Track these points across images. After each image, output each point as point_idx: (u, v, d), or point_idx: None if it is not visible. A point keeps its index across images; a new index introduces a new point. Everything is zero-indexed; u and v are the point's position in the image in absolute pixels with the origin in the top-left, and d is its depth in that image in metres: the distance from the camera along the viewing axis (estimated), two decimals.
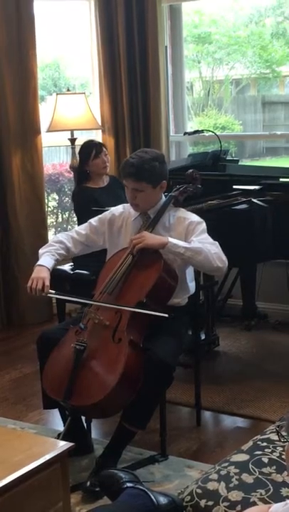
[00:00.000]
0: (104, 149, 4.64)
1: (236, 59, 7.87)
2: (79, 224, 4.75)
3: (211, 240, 3.20)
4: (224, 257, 3.16)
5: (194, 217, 3.29)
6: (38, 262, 3.27)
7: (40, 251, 3.36)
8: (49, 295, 3.21)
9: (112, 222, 3.39)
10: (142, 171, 3.14)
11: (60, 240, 3.39)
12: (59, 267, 4.45)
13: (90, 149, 4.59)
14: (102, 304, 3.06)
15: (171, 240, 3.11)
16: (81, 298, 3.18)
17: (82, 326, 3.05)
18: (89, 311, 3.09)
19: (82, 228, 3.44)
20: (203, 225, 3.25)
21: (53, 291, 3.19)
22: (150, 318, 3.03)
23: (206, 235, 3.21)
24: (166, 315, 2.96)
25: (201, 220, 3.28)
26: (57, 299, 4.66)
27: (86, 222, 3.47)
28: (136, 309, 2.99)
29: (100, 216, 3.44)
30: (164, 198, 3.33)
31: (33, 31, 5.15)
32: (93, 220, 3.43)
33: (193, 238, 3.17)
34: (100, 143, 4.77)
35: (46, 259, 3.29)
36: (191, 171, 3.53)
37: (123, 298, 3.06)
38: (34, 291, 3.16)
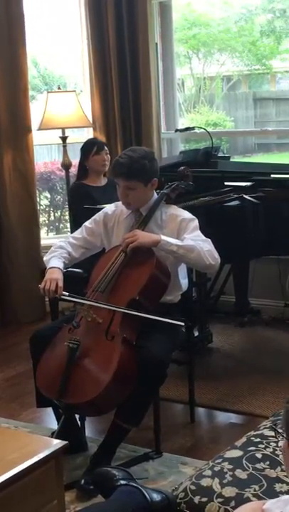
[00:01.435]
0: (105, 148, 4.66)
1: (227, 55, 7.88)
2: (72, 219, 4.77)
3: (203, 237, 3.20)
4: (216, 255, 3.17)
5: (186, 215, 3.29)
6: (49, 265, 3.26)
7: (46, 257, 3.35)
8: (63, 297, 3.17)
9: (106, 222, 3.39)
10: (132, 171, 3.15)
11: (60, 245, 3.39)
12: None
13: (92, 145, 4.62)
14: (116, 309, 3.01)
15: (163, 237, 3.11)
16: (94, 301, 3.13)
17: (75, 324, 3.05)
18: (82, 309, 3.09)
19: (78, 233, 3.44)
20: (196, 222, 3.26)
21: (67, 293, 3.16)
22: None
23: (198, 232, 3.22)
24: (183, 324, 2.98)
25: (194, 217, 3.29)
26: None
27: (79, 217, 3.47)
28: (152, 316, 2.99)
29: (94, 217, 3.44)
30: (156, 195, 3.33)
31: (22, 29, 5.13)
32: (88, 223, 3.44)
33: (185, 236, 3.18)
34: (102, 141, 4.81)
35: (55, 261, 3.28)
36: (182, 168, 3.54)
37: (116, 296, 3.06)
38: (48, 293, 3.16)
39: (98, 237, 3.40)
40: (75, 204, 4.66)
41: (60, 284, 3.16)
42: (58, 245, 3.40)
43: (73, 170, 5.26)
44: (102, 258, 3.29)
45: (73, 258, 3.41)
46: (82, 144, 4.73)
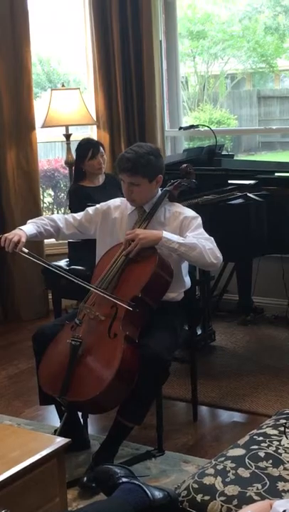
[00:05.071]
0: (101, 150, 4.63)
1: (231, 54, 7.87)
2: None
3: (206, 235, 3.19)
4: (219, 253, 3.16)
5: (189, 212, 3.29)
6: (19, 227, 3.27)
7: (29, 221, 3.37)
8: (21, 253, 3.14)
9: (107, 215, 3.40)
10: (137, 166, 3.14)
11: (53, 218, 3.41)
12: (55, 263, 4.46)
13: (87, 150, 4.58)
14: (80, 283, 3.05)
15: (165, 234, 3.10)
16: (51, 265, 3.16)
17: (77, 322, 3.05)
18: (84, 306, 3.09)
19: (78, 214, 3.47)
20: (199, 220, 3.25)
21: (26, 250, 3.14)
22: (146, 312, 3.03)
23: (201, 230, 3.21)
24: (130, 308, 2.96)
25: (196, 214, 3.28)
26: (52, 294, 4.67)
27: None
28: (106, 294, 2.99)
29: (97, 206, 3.46)
30: (160, 192, 3.33)
31: (27, 27, 5.13)
32: (90, 209, 3.46)
33: (188, 233, 3.17)
34: (97, 142, 4.75)
35: (29, 226, 3.29)
36: (185, 165, 3.53)
37: (118, 293, 3.06)
38: (8, 243, 3.13)
39: (93, 226, 3.41)
40: (75, 207, 4.66)
41: (23, 240, 3.15)
42: (50, 217, 3.43)
43: None
44: (104, 255, 3.29)
45: (62, 234, 3.42)
46: (77, 146, 4.71)
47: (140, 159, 3.15)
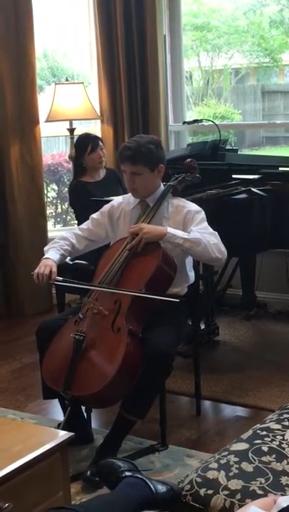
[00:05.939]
0: (100, 143, 4.63)
1: (235, 48, 7.85)
2: (76, 217, 4.76)
3: (210, 229, 3.19)
4: (223, 248, 3.16)
5: (193, 206, 3.29)
6: (45, 256, 3.29)
7: (45, 248, 3.39)
8: (56, 282, 3.20)
9: (112, 214, 3.40)
10: (138, 154, 3.16)
11: (64, 236, 3.42)
12: None
13: (86, 144, 4.59)
14: (110, 290, 3.05)
15: (169, 230, 3.11)
16: (87, 284, 3.16)
17: (81, 316, 3.05)
18: (88, 301, 3.09)
19: (85, 224, 3.47)
20: (202, 214, 3.25)
21: (60, 278, 3.19)
22: (150, 306, 3.03)
23: (205, 224, 3.21)
24: (177, 300, 2.96)
25: (200, 209, 3.28)
26: (56, 288, 4.67)
27: (82, 214, 3.49)
28: (145, 294, 2.99)
29: (101, 210, 3.46)
30: (162, 187, 3.33)
31: (31, 21, 5.12)
32: (94, 214, 3.46)
33: (192, 228, 3.17)
34: (96, 136, 4.76)
35: (51, 253, 3.31)
36: (189, 160, 3.53)
37: (122, 288, 3.06)
38: (41, 277, 3.17)
39: (103, 228, 3.41)
40: (75, 203, 4.66)
41: (54, 269, 3.18)
42: (61, 236, 3.43)
43: None
44: (108, 250, 3.30)
45: (76, 250, 3.43)
46: (76, 141, 4.71)
47: (141, 148, 3.17)
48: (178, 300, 3.01)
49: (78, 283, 3.17)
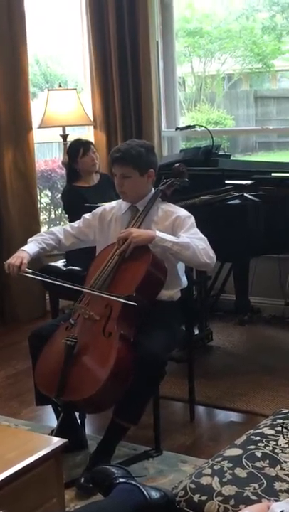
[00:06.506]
0: (91, 147, 4.65)
1: (228, 53, 7.86)
2: (70, 222, 4.76)
3: (200, 235, 3.20)
4: (212, 253, 3.16)
5: (182, 212, 3.29)
6: (24, 247, 3.32)
7: (29, 239, 3.41)
8: (25, 274, 3.21)
9: (103, 217, 3.42)
10: (127, 156, 3.19)
11: (52, 231, 3.47)
12: (51, 264, 4.46)
13: (78, 148, 4.60)
14: (79, 288, 3.10)
15: (158, 233, 3.11)
16: (59, 280, 3.19)
17: (72, 322, 3.05)
18: (79, 306, 3.09)
19: (76, 222, 3.50)
20: (192, 220, 3.25)
21: (30, 270, 3.21)
22: (141, 310, 3.03)
23: (194, 230, 3.21)
24: (135, 304, 2.96)
25: (189, 214, 3.28)
26: (50, 294, 4.67)
27: (76, 219, 3.51)
28: (109, 295, 3.00)
29: (93, 211, 3.48)
30: (152, 192, 3.34)
31: (23, 27, 5.13)
32: (87, 215, 3.49)
33: (181, 233, 3.18)
34: (87, 141, 4.77)
35: (30, 245, 3.35)
36: (177, 164, 3.53)
37: (112, 292, 3.06)
38: (11, 268, 3.20)
39: (92, 230, 3.43)
40: (68, 208, 4.66)
41: (25, 261, 3.21)
42: (49, 231, 3.49)
43: None
44: (98, 255, 3.31)
45: (62, 246, 3.47)
46: (68, 147, 4.72)
47: (131, 150, 3.20)
48: (135, 304, 2.98)
49: (47, 277, 3.20)
